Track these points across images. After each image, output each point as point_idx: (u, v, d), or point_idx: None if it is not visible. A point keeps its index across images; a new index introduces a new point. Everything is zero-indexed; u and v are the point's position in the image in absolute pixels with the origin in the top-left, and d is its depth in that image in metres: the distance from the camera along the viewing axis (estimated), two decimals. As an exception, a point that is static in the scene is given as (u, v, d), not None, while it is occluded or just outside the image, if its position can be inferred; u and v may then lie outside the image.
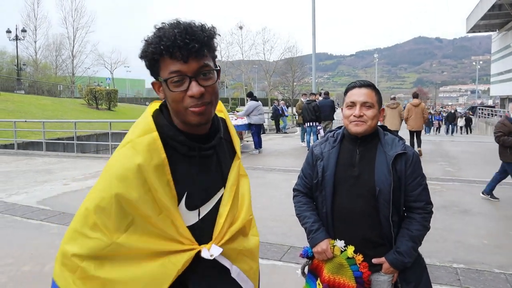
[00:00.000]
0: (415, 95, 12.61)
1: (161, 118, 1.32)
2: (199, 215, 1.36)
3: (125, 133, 1.38)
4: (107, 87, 37.30)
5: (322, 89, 19.48)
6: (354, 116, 1.95)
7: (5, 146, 14.93)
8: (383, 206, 1.91)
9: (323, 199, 2.04)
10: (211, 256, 1.31)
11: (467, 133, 30.62)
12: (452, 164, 10.23)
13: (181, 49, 1.19)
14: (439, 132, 30.96)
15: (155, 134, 1.26)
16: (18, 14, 65.05)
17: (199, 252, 1.32)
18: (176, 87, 1.23)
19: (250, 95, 13.09)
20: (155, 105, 1.38)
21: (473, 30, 54.74)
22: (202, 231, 1.36)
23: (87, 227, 1.26)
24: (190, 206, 1.34)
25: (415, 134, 11.77)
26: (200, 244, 1.33)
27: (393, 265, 1.93)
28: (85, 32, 49.83)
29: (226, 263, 1.39)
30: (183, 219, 1.31)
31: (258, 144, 12.43)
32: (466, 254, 4.35)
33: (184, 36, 1.19)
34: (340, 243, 1.97)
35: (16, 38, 37.42)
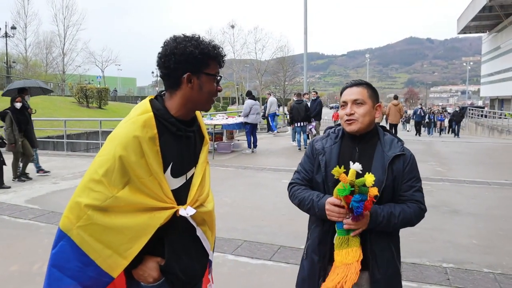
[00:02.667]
0: (395, 97, 17.71)
1: (157, 104, 1.68)
2: (180, 181, 1.72)
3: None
4: (98, 85, 36.99)
5: (313, 89, 19.69)
6: (346, 115, 1.97)
7: (-6, 144, 14.74)
8: None
9: (325, 194, 2.00)
10: (187, 214, 1.67)
11: (447, 133, 27.90)
12: (442, 164, 10.30)
13: (222, 59, 1.72)
14: (443, 133, 27.82)
15: (151, 114, 1.62)
16: (8, 11, 64.45)
17: (176, 211, 1.65)
18: (216, 83, 1.72)
19: (249, 94, 13.22)
20: (151, 96, 1.74)
21: (464, 31, 55.25)
22: (180, 196, 1.70)
23: (94, 182, 1.57)
24: (174, 174, 1.68)
25: (394, 126, 16.32)
26: (178, 205, 1.67)
27: (370, 222, 1.84)
28: (76, 29, 49.29)
29: (193, 223, 1.74)
30: (168, 183, 1.65)
31: (251, 144, 12.42)
32: (455, 253, 4.38)
33: (223, 51, 1.73)
34: (356, 166, 1.78)
35: (6, 35, 36.99)
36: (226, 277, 3.85)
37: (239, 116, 13.04)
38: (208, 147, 1.87)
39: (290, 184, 2.18)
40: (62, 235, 1.60)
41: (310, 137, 13.83)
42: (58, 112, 23.93)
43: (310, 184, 2.09)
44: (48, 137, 16.33)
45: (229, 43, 50.60)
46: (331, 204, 1.85)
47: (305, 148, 12.86)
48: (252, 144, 12.50)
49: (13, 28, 39.14)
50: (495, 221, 5.55)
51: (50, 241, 5.08)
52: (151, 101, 1.70)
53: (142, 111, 1.63)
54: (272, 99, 17.60)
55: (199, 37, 1.67)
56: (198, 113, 1.84)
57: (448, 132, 27.14)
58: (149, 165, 1.58)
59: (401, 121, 27.52)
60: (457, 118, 25.11)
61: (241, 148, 12.72)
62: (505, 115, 29.87)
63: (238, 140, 14.15)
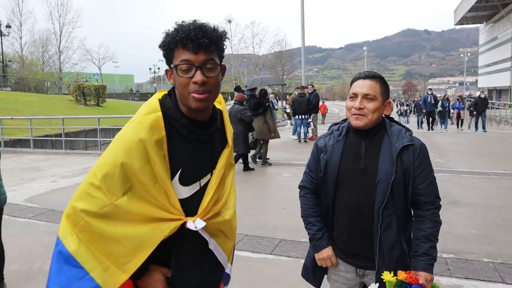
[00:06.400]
0: None
1: (169, 102, 1.52)
2: (190, 190, 1.55)
3: (114, 129, 1.58)
4: (96, 83, 36.91)
5: (311, 83, 19.53)
6: (354, 108, 1.90)
7: (-8, 144, 14.72)
8: (379, 197, 1.85)
9: (326, 193, 2.01)
10: (195, 227, 1.50)
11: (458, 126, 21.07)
12: (442, 155, 10.30)
13: (192, 41, 1.41)
14: (461, 125, 21.04)
15: (159, 114, 1.46)
16: (2, 9, 64.13)
17: (184, 223, 1.50)
18: (184, 73, 1.44)
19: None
20: (163, 91, 1.59)
21: (461, 22, 55.09)
22: (190, 206, 1.54)
23: (92, 187, 1.44)
24: (183, 182, 1.52)
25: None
26: (186, 216, 1.52)
27: (428, 270, 1.85)
28: (72, 27, 49.48)
29: (205, 236, 1.59)
30: (176, 192, 1.50)
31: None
32: (455, 244, 4.39)
33: (197, 32, 1.41)
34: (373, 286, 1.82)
35: (1, 34, 36.83)
36: (227, 272, 3.85)
37: None
38: (229, 151, 1.66)
39: (300, 187, 2.18)
40: (57, 243, 1.48)
41: (309, 130, 13.84)
42: (56, 110, 23.90)
43: (317, 187, 2.07)
44: (46, 136, 16.32)
45: (226, 38, 50.51)
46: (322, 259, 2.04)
47: (305, 141, 12.98)
48: None
49: (8, 26, 38.98)
50: (494, 211, 5.56)
51: (50, 239, 5.09)
52: (163, 97, 1.55)
53: (150, 110, 1.48)
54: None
55: (181, 23, 1.48)
56: (225, 113, 1.70)
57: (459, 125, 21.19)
58: (155, 171, 1.44)
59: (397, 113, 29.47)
60: (480, 108, 19.06)
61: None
62: (504, 106, 29.64)
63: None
